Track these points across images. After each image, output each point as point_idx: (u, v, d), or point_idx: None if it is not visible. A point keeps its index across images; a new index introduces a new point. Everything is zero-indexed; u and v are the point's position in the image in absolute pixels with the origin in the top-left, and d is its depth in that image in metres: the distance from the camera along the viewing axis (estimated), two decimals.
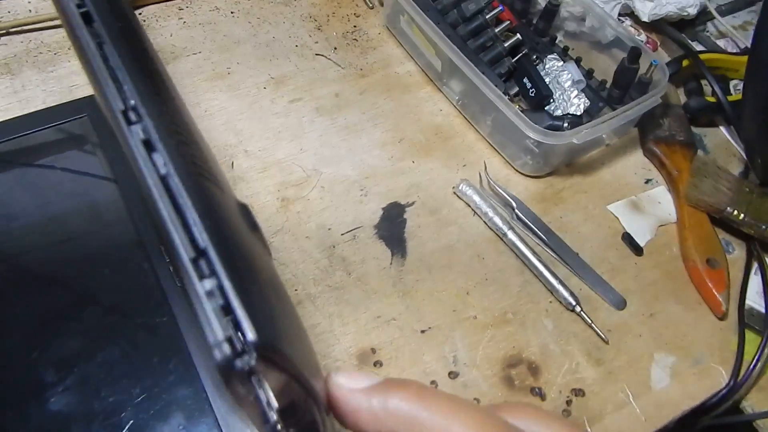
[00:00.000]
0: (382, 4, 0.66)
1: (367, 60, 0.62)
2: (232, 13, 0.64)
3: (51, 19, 0.61)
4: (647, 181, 0.56)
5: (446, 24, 0.57)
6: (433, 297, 0.47)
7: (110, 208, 0.49)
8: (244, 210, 0.24)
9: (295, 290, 0.47)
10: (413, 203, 0.52)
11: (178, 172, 0.19)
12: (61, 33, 0.61)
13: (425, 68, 0.61)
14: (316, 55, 0.61)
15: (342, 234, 0.50)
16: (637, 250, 0.51)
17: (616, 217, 0.53)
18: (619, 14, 0.66)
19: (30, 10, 0.62)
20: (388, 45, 0.63)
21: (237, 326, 0.17)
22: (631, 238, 0.51)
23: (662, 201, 0.54)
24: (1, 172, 0.51)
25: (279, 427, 0.19)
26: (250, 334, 0.17)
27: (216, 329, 0.17)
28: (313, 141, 0.55)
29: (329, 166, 0.54)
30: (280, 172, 0.53)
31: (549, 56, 0.57)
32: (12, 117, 0.53)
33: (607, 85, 0.57)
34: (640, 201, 0.54)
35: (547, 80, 0.56)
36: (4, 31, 0.60)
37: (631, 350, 0.47)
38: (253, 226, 0.24)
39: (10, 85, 0.56)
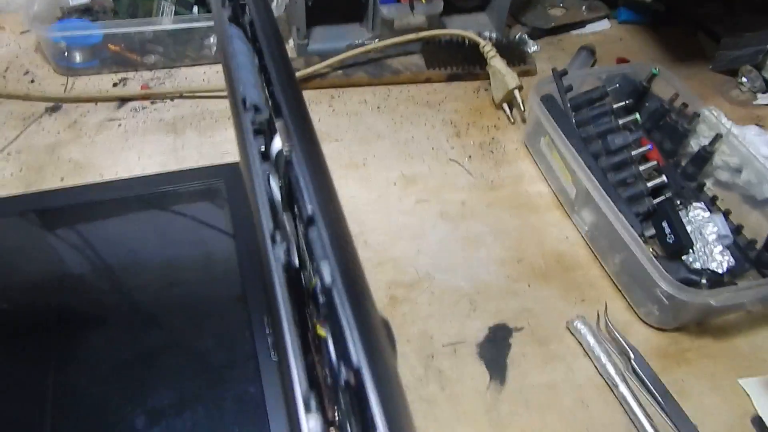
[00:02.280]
0: (524, 121, 0.66)
1: (499, 173, 0.62)
2: (378, 107, 0.68)
3: (219, 90, 0.68)
4: None
5: (588, 153, 0.56)
6: None
7: (223, 265, 0.51)
8: (387, 327, 0.24)
9: None
10: (522, 329, 0.50)
11: (344, 283, 0.19)
12: (224, 103, 0.67)
13: (557, 192, 0.60)
14: (450, 160, 0.63)
15: (443, 345, 0.49)
16: None
17: (747, 394, 0.47)
18: None
19: (204, 80, 0.69)
20: (523, 162, 0.63)
21: None
22: (762, 422, 0.45)
23: None
24: (140, 211, 0.55)
25: None
26: None
27: None
28: (431, 244, 0.55)
29: (443, 273, 0.53)
30: (394, 270, 0.53)
31: (694, 203, 0.54)
32: (166, 171, 0.58)
33: (758, 246, 0.52)
34: None
35: (688, 228, 0.52)
36: (178, 95, 0.67)
37: None
38: (392, 345, 0.24)
39: (172, 143, 0.62)
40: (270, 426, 0.42)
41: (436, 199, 0.59)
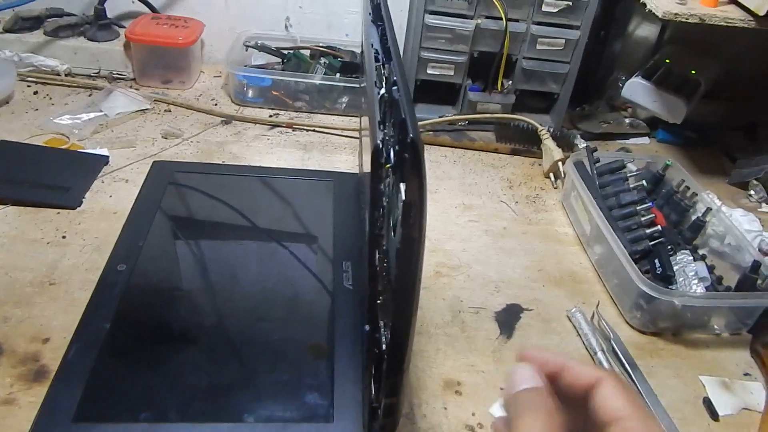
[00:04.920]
0: (563, 187, 0.85)
1: (536, 216, 0.80)
2: (454, 161, 0.89)
3: (341, 129, 0.92)
4: (746, 374, 0.61)
5: (604, 204, 0.73)
6: None
7: (319, 237, 0.70)
8: None
9: (420, 325, 0.62)
10: (531, 310, 0.65)
11: None
12: (344, 140, 0.91)
13: (579, 234, 0.76)
14: (501, 201, 0.82)
15: (469, 307, 0.65)
16: (714, 415, 0.56)
17: (704, 386, 0.59)
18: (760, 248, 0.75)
19: (332, 123, 0.95)
20: (557, 213, 0.81)
21: None
22: (711, 404, 0.57)
23: (755, 392, 0.59)
24: (270, 189, 0.77)
25: None
26: None
27: None
28: (475, 248, 0.73)
29: (479, 266, 0.70)
30: (444, 256, 0.71)
31: (682, 250, 0.69)
32: (294, 167, 0.82)
33: (732, 291, 0.66)
34: (732, 384, 0.59)
35: (675, 267, 0.67)
36: (312, 128, 0.92)
37: None
38: None
39: (302, 156, 0.86)
40: None
41: (485, 222, 0.77)
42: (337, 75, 0.96)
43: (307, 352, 0.56)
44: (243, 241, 0.71)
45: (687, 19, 0.71)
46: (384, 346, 0.45)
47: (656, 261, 0.68)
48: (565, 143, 0.90)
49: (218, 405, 0.50)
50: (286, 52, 0.99)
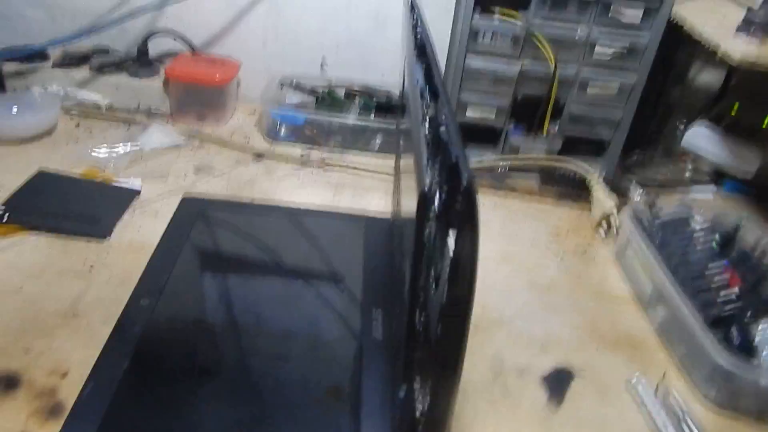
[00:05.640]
0: (615, 240, 0.78)
1: (586, 270, 0.73)
2: (494, 207, 0.84)
3: (374, 171, 0.88)
4: None
5: (667, 261, 0.66)
6: None
7: (349, 281, 0.65)
8: None
9: None
10: (584, 376, 0.58)
11: None
12: (376, 181, 0.87)
13: (637, 294, 0.69)
14: (545, 252, 0.75)
15: (512, 368, 0.58)
16: None
17: None
18: None
19: (364, 164, 0.91)
20: (609, 269, 0.74)
21: None
22: None
23: None
24: (297, 227, 0.73)
25: None
26: None
27: None
28: (517, 302, 0.66)
29: (523, 322, 0.64)
30: (483, 310, 0.64)
31: (765, 318, 0.61)
32: (324, 209, 0.78)
33: None
34: None
35: (757, 338, 0.59)
36: (344, 168, 0.89)
37: None
38: None
39: (332, 197, 0.82)
40: None
41: (527, 274, 0.71)
42: (372, 115, 0.93)
43: (329, 404, 0.51)
44: (269, 279, 0.67)
45: None
46: (419, 413, 0.39)
47: (733, 329, 0.60)
48: (617, 192, 0.84)
49: None
50: (320, 91, 0.96)
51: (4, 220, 0.66)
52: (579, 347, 0.61)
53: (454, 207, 0.33)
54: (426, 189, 0.36)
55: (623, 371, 0.59)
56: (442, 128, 0.41)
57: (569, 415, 0.54)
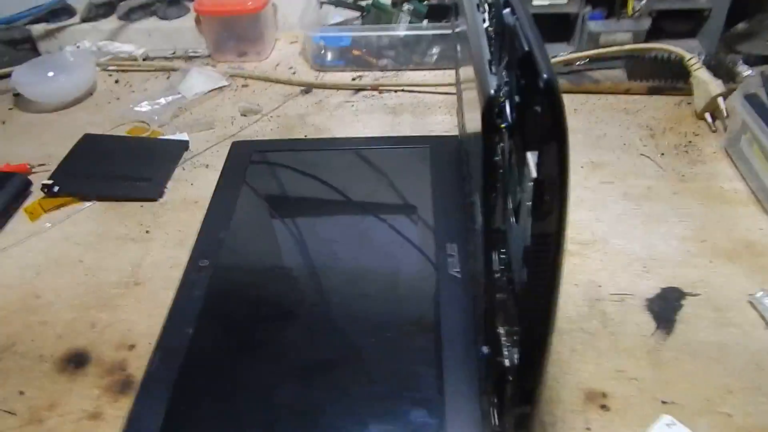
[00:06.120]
0: (725, 129, 0.66)
1: (692, 170, 0.63)
2: (575, 110, 0.74)
3: (434, 85, 0.79)
4: None
5: None
6: (688, 379, 0.44)
7: (420, 215, 0.59)
8: None
9: None
10: (698, 295, 0.50)
11: None
12: (437, 97, 0.78)
13: (756, 190, 0.58)
14: (641, 155, 0.65)
15: (611, 294, 0.51)
16: None
17: None
18: None
19: (423, 79, 0.82)
20: (720, 164, 0.63)
21: None
22: None
23: None
24: (359, 161, 0.67)
25: None
26: None
27: None
28: (611, 216, 0.58)
29: (619, 239, 0.56)
30: (572, 230, 0.57)
31: None
32: (385, 135, 0.71)
33: None
34: None
35: None
36: (401, 88, 0.81)
37: None
38: None
39: (391, 121, 0.75)
40: None
41: (621, 183, 0.62)
42: (425, 22, 0.83)
43: (413, 336, 0.47)
44: (335, 218, 0.62)
45: None
46: (508, 368, 0.33)
47: None
48: (723, 73, 0.70)
49: (315, 424, 0.42)
50: (364, 3, 0.87)
51: (55, 191, 0.64)
52: (688, 262, 0.53)
53: (532, 116, 0.25)
54: (491, 94, 0.29)
55: (744, 285, 0.50)
56: (507, 11, 0.32)
57: (682, 341, 0.46)
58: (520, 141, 0.28)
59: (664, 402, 0.42)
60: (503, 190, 0.33)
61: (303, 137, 0.73)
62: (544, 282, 0.26)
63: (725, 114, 0.66)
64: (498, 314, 0.35)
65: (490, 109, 0.29)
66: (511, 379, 0.33)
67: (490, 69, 0.33)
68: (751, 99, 0.58)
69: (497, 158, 0.33)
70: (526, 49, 0.26)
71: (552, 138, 0.23)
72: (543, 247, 0.26)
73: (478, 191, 0.35)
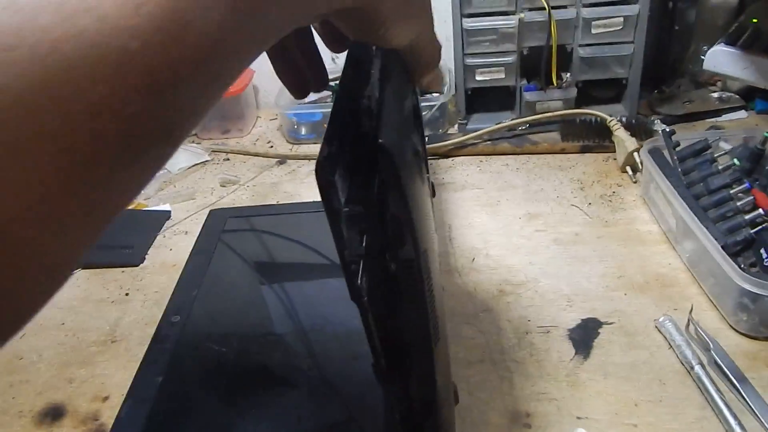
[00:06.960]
0: (640, 173, 0.75)
1: (614, 216, 0.71)
2: (517, 169, 0.83)
3: None
4: None
5: (688, 193, 0.63)
6: (600, 396, 0.50)
7: None
8: None
9: (483, 352, 0.56)
10: (612, 323, 0.57)
11: None
12: None
13: (666, 231, 0.67)
14: (572, 205, 0.74)
15: (538, 326, 0.58)
16: None
17: None
18: None
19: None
20: (638, 210, 0.72)
21: None
22: None
23: None
24: (326, 223, 0.75)
25: None
26: None
27: None
28: (542, 260, 0.66)
29: (548, 279, 0.63)
30: (507, 273, 0.64)
31: None
32: None
33: None
34: None
35: None
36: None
37: None
38: None
39: None
40: None
41: (553, 230, 0.70)
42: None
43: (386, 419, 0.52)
44: (301, 275, 0.69)
45: None
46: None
47: (762, 251, 0.57)
48: (642, 131, 0.80)
49: None
50: (333, 84, 0.98)
51: None
52: (606, 295, 0.60)
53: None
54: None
55: (653, 312, 0.57)
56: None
57: (597, 364, 0.53)
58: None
59: (579, 417, 0.49)
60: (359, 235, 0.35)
61: (274, 203, 0.81)
62: (407, 316, 0.31)
63: (640, 167, 0.75)
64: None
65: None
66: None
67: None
68: (653, 153, 0.68)
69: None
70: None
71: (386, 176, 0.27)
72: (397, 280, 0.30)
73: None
